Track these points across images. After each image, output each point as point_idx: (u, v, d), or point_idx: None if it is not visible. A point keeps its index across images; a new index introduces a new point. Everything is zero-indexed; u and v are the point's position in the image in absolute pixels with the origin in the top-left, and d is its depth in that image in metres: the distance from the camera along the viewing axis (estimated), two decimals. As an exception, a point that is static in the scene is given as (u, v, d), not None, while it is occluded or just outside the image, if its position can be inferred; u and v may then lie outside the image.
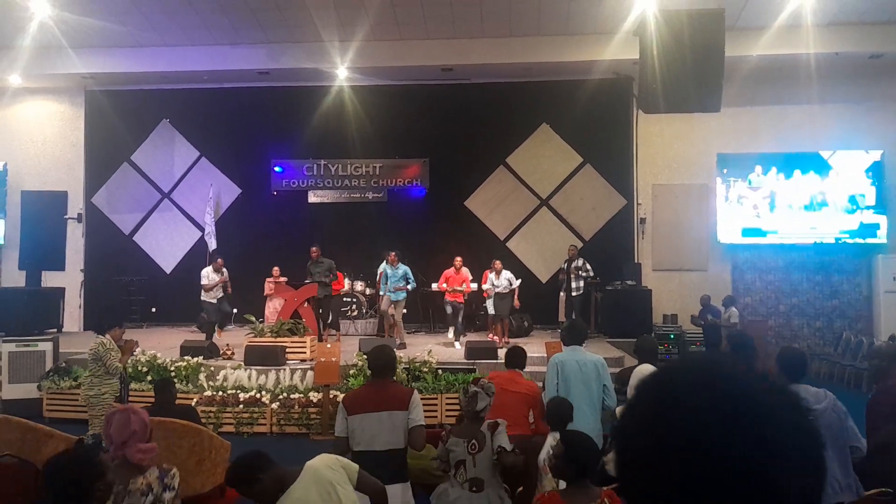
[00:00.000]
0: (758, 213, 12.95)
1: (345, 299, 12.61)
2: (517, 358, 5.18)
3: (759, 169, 12.96)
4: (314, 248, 11.16)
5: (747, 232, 12.97)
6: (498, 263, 11.10)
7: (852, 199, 12.77)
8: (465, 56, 12.55)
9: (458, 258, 11.04)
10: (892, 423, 4.07)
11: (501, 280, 10.95)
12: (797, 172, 12.86)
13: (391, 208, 13.82)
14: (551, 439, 3.97)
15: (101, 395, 6.43)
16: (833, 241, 12.74)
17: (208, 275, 10.83)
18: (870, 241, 12.63)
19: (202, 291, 10.80)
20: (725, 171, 12.99)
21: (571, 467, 3.02)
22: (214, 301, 10.83)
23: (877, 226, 12.64)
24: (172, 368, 8.99)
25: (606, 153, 13.48)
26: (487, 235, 13.60)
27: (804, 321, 13.10)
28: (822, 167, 12.83)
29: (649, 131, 13.24)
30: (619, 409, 3.73)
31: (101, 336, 6.53)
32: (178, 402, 6.71)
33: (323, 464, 2.72)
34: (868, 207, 12.69)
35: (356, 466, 2.76)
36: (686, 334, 12.33)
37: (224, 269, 11.04)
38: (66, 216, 14.30)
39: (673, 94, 7.74)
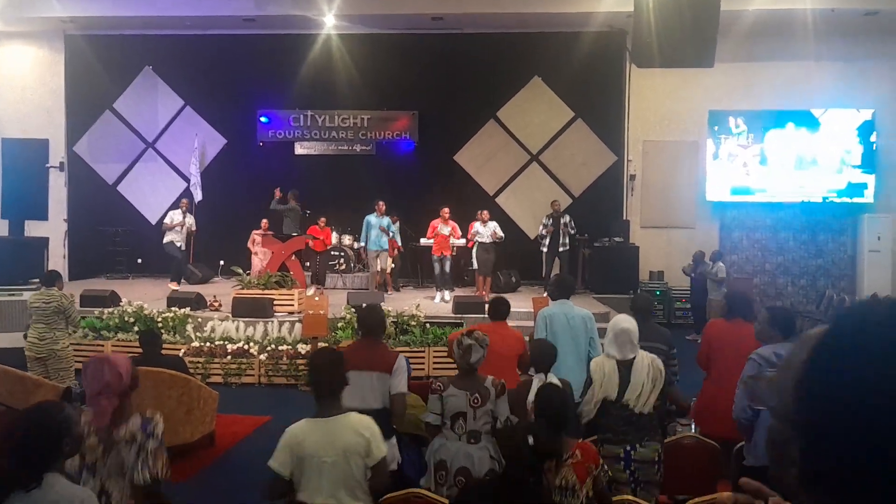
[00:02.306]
0: (747, 172, 12.95)
1: (332, 253, 12.56)
2: (501, 308, 5.19)
3: (749, 127, 12.90)
4: (277, 190, 11.68)
5: (736, 190, 12.98)
6: (486, 213, 11.09)
7: (841, 159, 12.79)
8: (456, 4, 12.26)
9: (446, 209, 10.97)
10: None
11: (487, 229, 10.91)
12: (787, 130, 12.82)
13: (379, 161, 13.67)
14: (537, 381, 4.02)
15: (67, 347, 6.42)
16: (820, 200, 12.80)
17: (171, 215, 11.05)
18: (856, 200, 12.70)
19: (164, 233, 10.97)
20: (716, 128, 12.93)
21: (542, 422, 3.07)
22: (181, 246, 11.04)
23: (864, 185, 12.69)
24: (159, 319, 8.98)
25: (598, 108, 13.34)
26: (477, 191, 13.52)
27: (789, 279, 13.25)
28: (812, 125, 12.79)
29: (642, 86, 13.09)
30: (594, 361, 3.77)
31: (51, 288, 6.43)
32: (165, 352, 6.73)
33: (364, 424, 2.80)
34: (856, 167, 12.72)
35: (383, 453, 2.79)
36: (672, 291, 12.47)
37: (190, 215, 11.06)
38: (48, 165, 14.04)
39: (667, 48, 7.63)
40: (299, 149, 13.83)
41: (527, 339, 5.36)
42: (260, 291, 9.60)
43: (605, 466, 3.56)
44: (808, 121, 12.80)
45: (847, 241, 13.02)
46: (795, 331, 3.75)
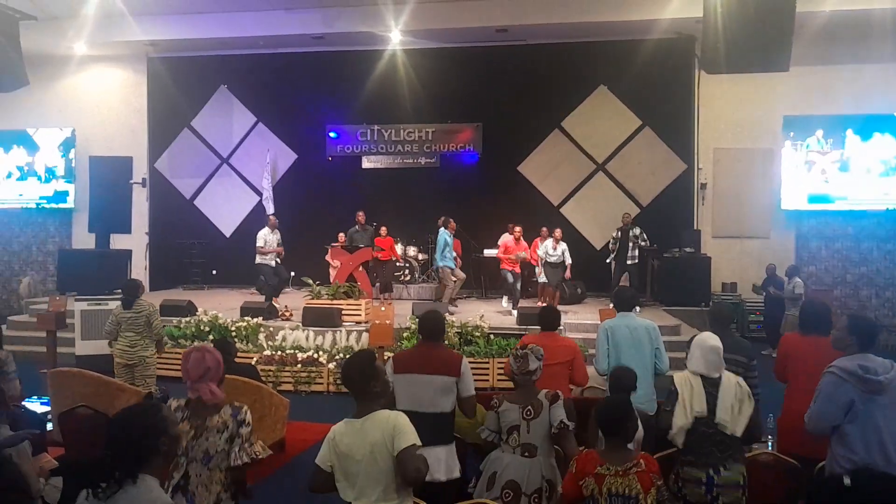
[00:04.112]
0: (826, 179, 12.39)
1: (397, 264, 12.73)
2: (551, 319, 5.13)
3: (827, 132, 12.35)
4: (360, 214, 11.36)
5: (813, 198, 12.44)
6: (558, 232, 11.05)
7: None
8: (520, 16, 12.27)
9: (518, 228, 10.95)
10: None
11: (558, 251, 10.87)
12: (871, 135, 12.21)
13: (443, 174, 13.79)
14: None
15: (153, 355, 6.70)
16: (906, 207, 12.12)
17: (265, 237, 10.64)
18: (948, 207, 11.96)
19: (257, 255, 10.65)
20: (792, 134, 12.44)
21: (603, 426, 3.06)
22: (272, 264, 10.68)
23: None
24: (233, 328, 9.29)
25: (666, 116, 13.06)
26: (541, 201, 13.44)
27: (873, 291, 12.57)
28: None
29: (711, 93, 12.75)
30: (677, 375, 3.67)
31: (139, 299, 6.66)
32: (238, 361, 6.95)
33: (389, 419, 2.81)
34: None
35: (408, 442, 2.74)
36: (745, 303, 12.03)
37: (278, 231, 10.94)
38: (132, 181, 14.78)
39: (737, 53, 7.42)
40: (366, 162, 14.11)
41: (590, 352, 5.28)
42: (329, 302, 9.82)
43: (681, 485, 3.48)
44: (891, 125, 12.16)
45: (937, 250, 12.26)
46: (876, 343, 3.51)
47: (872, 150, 12.21)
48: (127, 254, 13.81)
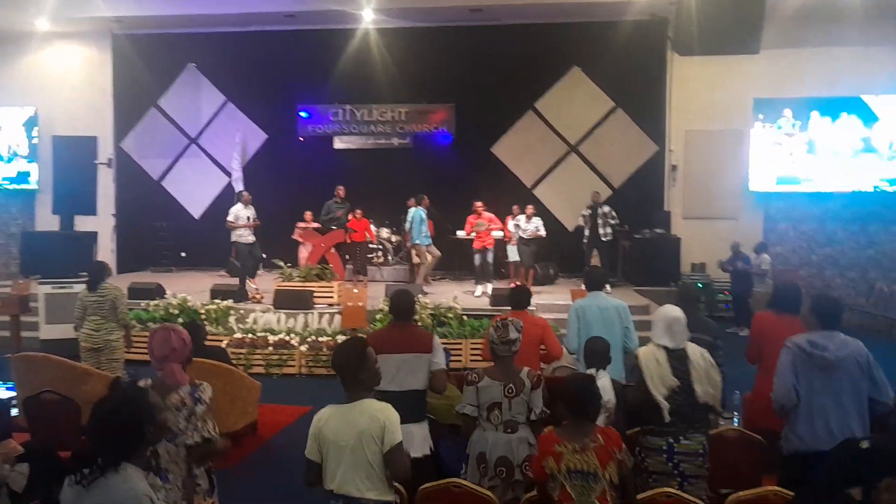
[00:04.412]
0: (794, 161, 12.59)
1: (370, 245, 12.66)
2: (521, 298, 5.18)
3: (796, 114, 12.53)
4: (340, 188, 11.28)
5: (782, 180, 12.64)
6: (530, 208, 11.10)
7: (893, 146, 12.32)
8: (494, -5, 12.18)
9: (479, 203, 10.97)
10: None
11: (531, 225, 10.90)
12: (838, 118, 12.41)
13: (417, 154, 13.71)
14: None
15: (120, 338, 6.56)
16: (872, 189, 12.37)
17: (237, 212, 10.28)
18: (910, 189, 12.24)
19: (232, 232, 10.31)
20: (762, 116, 12.59)
21: (568, 404, 3.11)
22: (247, 243, 10.28)
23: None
24: (203, 311, 9.18)
25: (639, 98, 13.11)
26: (514, 182, 13.45)
27: (837, 271, 12.85)
28: (863, 112, 12.35)
29: (684, 75, 12.83)
30: (642, 350, 3.71)
31: (104, 282, 6.52)
32: (208, 344, 6.88)
33: (380, 409, 2.82)
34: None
35: (397, 440, 2.77)
36: (714, 283, 12.22)
37: (252, 207, 10.52)
38: (97, 161, 14.45)
39: (709, 35, 7.44)
40: (338, 143, 13.96)
41: (561, 332, 5.33)
42: (301, 284, 9.74)
43: (643, 455, 3.53)
44: (858, 108, 12.37)
45: (899, 231, 12.55)
46: (838, 321, 3.61)
47: (839, 133, 12.42)
48: (92, 236, 13.52)
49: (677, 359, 3.57)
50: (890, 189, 12.30)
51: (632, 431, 3.83)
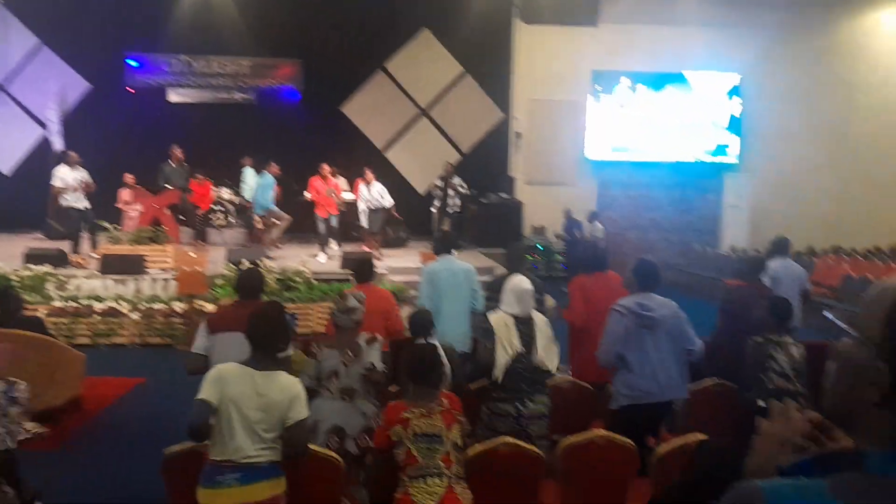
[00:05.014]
0: (626, 132, 13.52)
1: (211, 208, 11.94)
2: (364, 270, 5.16)
3: (629, 88, 13.42)
4: (176, 149, 10.41)
5: (615, 149, 13.54)
6: (370, 173, 10.76)
7: (713, 122, 13.63)
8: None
9: (325, 165, 10.61)
10: (729, 324, 4.48)
11: (374, 192, 10.76)
12: (664, 92, 13.46)
13: (261, 111, 13.07)
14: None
15: None
16: (692, 160, 13.62)
17: (63, 176, 9.30)
18: (723, 160, 13.64)
19: (59, 197, 9.33)
20: (599, 88, 13.34)
21: (411, 374, 3.20)
22: (80, 207, 9.33)
23: (729, 147, 13.63)
24: (16, 278, 8.22)
25: (486, 65, 13.36)
26: (366, 144, 13.27)
27: (661, 235, 14.09)
28: (687, 88, 13.50)
29: (528, 44, 13.22)
30: (493, 316, 3.84)
31: None
32: (24, 314, 6.18)
33: (291, 384, 2.80)
34: (726, 129, 13.61)
35: (303, 415, 2.76)
36: (553, 246, 12.94)
37: (81, 168, 9.54)
38: None
39: (552, 5, 7.73)
40: (173, 96, 12.96)
41: (412, 293, 5.37)
42: (131, 247, 9.02)
43: (493, 419, 3.67)
44: (682, 83, 13.49)
45: (713, 198, 13.95)
46: (656, 282, 3.97)
47: (666, 106, 13.49)
48: None
49: (524, 325, 3.76)
50: (706, 160, 13.61)
51: (476, 386, 3.98)
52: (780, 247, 6.20)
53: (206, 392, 2.69)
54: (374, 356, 3.66)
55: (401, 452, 3.00)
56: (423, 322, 4.25)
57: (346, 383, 3.58)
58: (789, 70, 13.38)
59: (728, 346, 4.40)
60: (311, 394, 3.68)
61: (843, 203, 13.54)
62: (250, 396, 2.70)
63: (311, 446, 3.32)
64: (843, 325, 0.89)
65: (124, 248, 8.95)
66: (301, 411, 2.76)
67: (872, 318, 0.83)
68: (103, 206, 11.16)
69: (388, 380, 3.88)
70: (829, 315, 3.92)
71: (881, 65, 13.76)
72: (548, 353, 3.74)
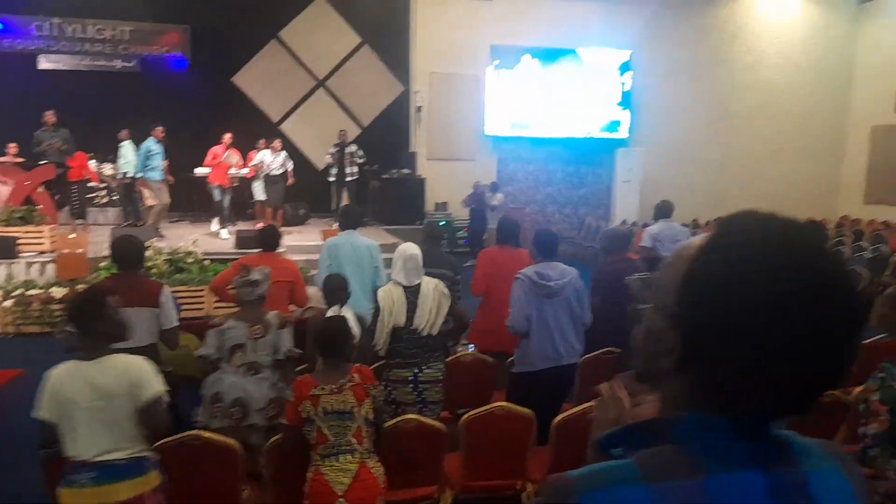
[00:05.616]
0: (523, 107, 13.72)
1: (90, 185, 11.14)
2: (270, 238, 5.04)
3: (527, 63, 13.60)
4: (49, 113, 9.58)
5: (513, 125, 13.74)
6: (277, 143, 10.67)
7: (604, 97, 14.06)
8: None
9: (228, 134, 10.25)
10: (600, 296, 4.65)
11: (277, 160, 10.47)
12: (558, 67, 13.73)
13: (145, 80, 12.23)
14: (331, 314, 3.99)
15: None
16: (585, 135, 14.04)
17: None
18: (614, 136, 14.14)
19: None
20: (497, 62, 13.43)
21: (321, 347, 3.14)
22: None
23: (621, 122, 14.15)
24: None
25: (385, 36, 13.14)
26: (260, 117, 12.78)
27: (556, 208, 14.50)
28: (579, 63, 13.84)
29: (428, 16, 13.09)
30: (381, 290, 3.82)
31: None
32: None
33: (131, 363, 2.62)
34: (617, 104, 14.09)
35: (154, 392, 2.58)
36: (455, 221, 13.03)
37: None
38: None
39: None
40: (44, 62, 11.92)
41: (312, 273, 5.25)
42: (0, 229, 8.28)
43: (390, 388, 3.67)
44: (575, 59, 13.81)
45: (604, 173, 14.47)
46: (555, 252, 4.13)
47: (561, 82, 13.78)
48: None
49: (413, 294, 3.76)
50: (598, 136, 14.07)
51: (377, 364, 3.95)
52: (662, 210, 6.60)
53: (43, 408, 2.57)
54: (287, 341, 3.63)
55: (312, 431, 2.94)
56: (336, 286, 4.16)
57: (253, 358, 3.53)
58: (675, 47, 13.98)
59: (604, 319, 4.53)
60: (209, 365, 3.56)
61: (723, 175, 14.43)
62: (83, 391, 2.53)
63: (210, 427, 3.21)
64: (642, 291, 0.90)
65: (-9, 230, 8.20)
66: (149, 389, 2.58)
67: (667, 285, 0.82)
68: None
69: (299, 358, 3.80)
70: (632, 281, 4.16)
71: (755, 46, 14.64)
72: (429, 318, 3.74)
